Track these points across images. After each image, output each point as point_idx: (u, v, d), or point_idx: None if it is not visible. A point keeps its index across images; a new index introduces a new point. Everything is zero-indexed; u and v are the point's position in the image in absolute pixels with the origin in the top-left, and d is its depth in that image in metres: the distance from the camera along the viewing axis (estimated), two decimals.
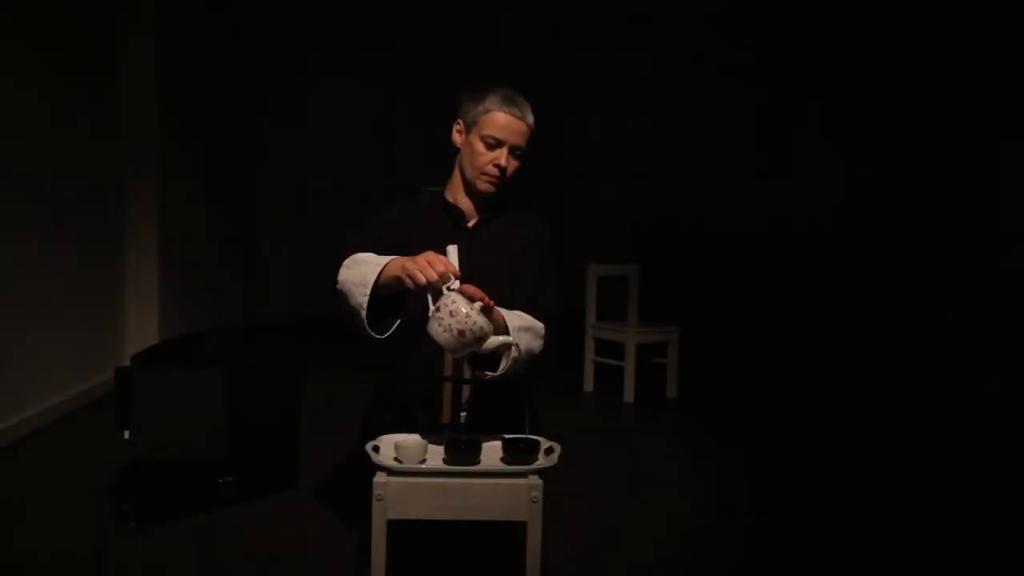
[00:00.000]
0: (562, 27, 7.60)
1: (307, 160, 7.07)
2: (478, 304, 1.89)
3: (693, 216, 6.84)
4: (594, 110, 7.51)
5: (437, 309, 1.87)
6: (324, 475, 3.11)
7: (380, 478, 1.81)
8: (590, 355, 4.92)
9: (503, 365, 2.04)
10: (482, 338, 1.88)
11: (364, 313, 2.09)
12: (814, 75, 6.25)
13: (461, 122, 2.32)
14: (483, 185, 2.29)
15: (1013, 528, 2.90)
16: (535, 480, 1.81)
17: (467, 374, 2.14)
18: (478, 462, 1.86)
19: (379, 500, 1.79)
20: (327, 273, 2.22)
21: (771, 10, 6.48)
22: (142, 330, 4.67)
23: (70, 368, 4.03)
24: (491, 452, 1.92)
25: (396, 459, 1.86)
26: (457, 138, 2.34)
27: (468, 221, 2.36)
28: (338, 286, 2.17)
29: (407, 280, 1.97)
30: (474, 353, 1.94)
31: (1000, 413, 4.64)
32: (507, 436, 1.94)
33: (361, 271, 2.11)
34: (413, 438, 1.94)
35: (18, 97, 3.53)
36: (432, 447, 1.92)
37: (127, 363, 2.80)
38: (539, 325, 2.20)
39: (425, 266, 1.94)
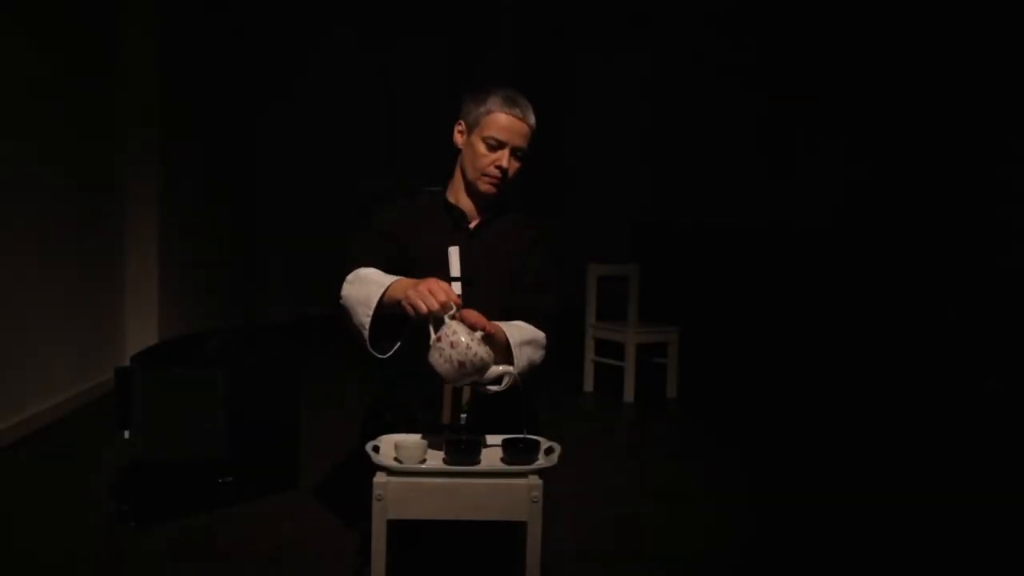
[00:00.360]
0: (562, 27, 7.60)
1: (307, 160, 7.07)
2: (479, 333, 1.89)
3: (693, 216, 6.84)
4: (594, 110, 7.51)
5: (438, 339, 1.87)
6: (324, 475, 3.11)
7: (380, 478, 1.81)
8: (590, 355, 4.92)
9: (504, 382, 2.04)
10: (482, 368, 1.87)
11: (367, 333, 2.09)
12: (814, 75, 6.25)
13: (463, 123, 2.32)
14: (484, 186, 2.29)
15: (1013, 527, 2.90)
16: (535, 480, 1.81)
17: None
18: (478, 462, 1.86)
19: (379, 500, 1.79)
20: (327, 273, 2.22)
21: (771, 10, 6.48)
22: (142, 330, 4.67)
23: (70, 368, 4.03)
24: (491, 452, 1.92)
25: (396, 459, 1.86)
26: (458, 139, 2.34)
27: (469, 222, 2.36)
28: (341, 301, 2.16)
29: (408, 308, 1.95)
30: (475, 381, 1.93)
31: (1000, 413, 4.64)
32: (507, 436, 1.94)
33: (364, 290, 2.10)
34: (413, 438, 1.94)
35: (18, 97, 3.53)
36: (432, 447, 1.92)
37: (127, 363, 2.80)
38: (540, 335, 2.21)
39: (426, 295, 1.91)
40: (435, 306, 1.90)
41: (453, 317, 1.91)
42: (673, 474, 3.48)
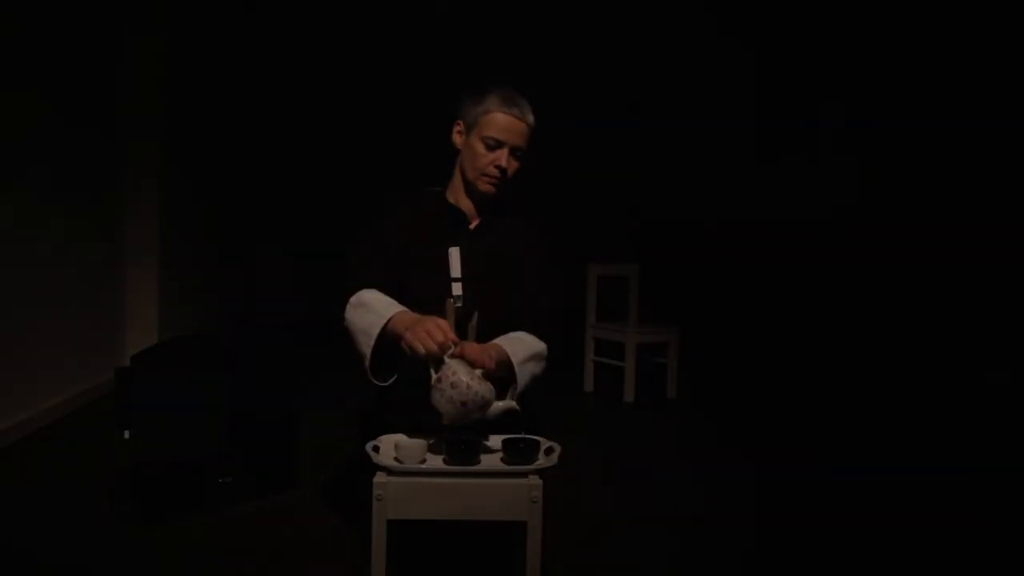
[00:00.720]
0: (561, 26, 7.60)
1: (307, 160, 7.07)
2: (479, 372, 1.89)
3: (693, 216, 6.84)
4: (594, 109, 7.50)
5: (439, 380, 1.87)
6: (324, 475, 3.11)
7: (380, 478, 1.81)
8: (590, 355, 4.92)
9: (509, 395, 2.06)
10: (484, 406, 1.87)
11: (367, 363, 2.10)
12: (814, 74, 6.25)
13: (461, 123, 2.32)
14: (484, 186, 2.29)
15: (1013, 528, 2.90)
16: (535, 480, 1.81)
17: None
18: (478, 462, 1.86)
19: (379, 500, 1.79)
20: (327, 273, 2.22)
21: (771, 10, 6.48)
22: (142, 330, 4.67)
23: (70, 368, 4.03)
24: (491, 452, 1.92)
25: (396, 459, 1.86)
26: (457, 139, 2.34)
27: (469, 223, 2.36)
28: (344, 323, 2.17)
29: (407, 349, 1.96)
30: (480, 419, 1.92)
31: (1000, 407, 4.64)
32: (507, 436, 1.94)
33: (366, 319, 2.10)
34: (413, 438, 1.94)
35: (19, 97, 3.53)
36: (432, 448, 1.92)
37: (127, 363, 2.80)
38: (542, 348, 2.20)
39: (424, 337, 1.91)
40: (434, 348, 1.90)
41: (453, 355, 1.91)
42: (673, 474, 3.48)
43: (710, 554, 2.62)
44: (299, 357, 3.07)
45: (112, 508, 2.70)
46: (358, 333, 2.11)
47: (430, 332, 1.91)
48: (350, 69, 7.21)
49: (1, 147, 3.42)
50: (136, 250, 4.68)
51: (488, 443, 1.98)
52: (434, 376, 1.89)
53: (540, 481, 1.81)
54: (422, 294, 2.17)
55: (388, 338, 2.06)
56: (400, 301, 2.14)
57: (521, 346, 2.14)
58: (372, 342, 2.06)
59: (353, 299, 2.17)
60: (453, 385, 1.84)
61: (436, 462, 1.87)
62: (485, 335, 2.09)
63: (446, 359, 1.90)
